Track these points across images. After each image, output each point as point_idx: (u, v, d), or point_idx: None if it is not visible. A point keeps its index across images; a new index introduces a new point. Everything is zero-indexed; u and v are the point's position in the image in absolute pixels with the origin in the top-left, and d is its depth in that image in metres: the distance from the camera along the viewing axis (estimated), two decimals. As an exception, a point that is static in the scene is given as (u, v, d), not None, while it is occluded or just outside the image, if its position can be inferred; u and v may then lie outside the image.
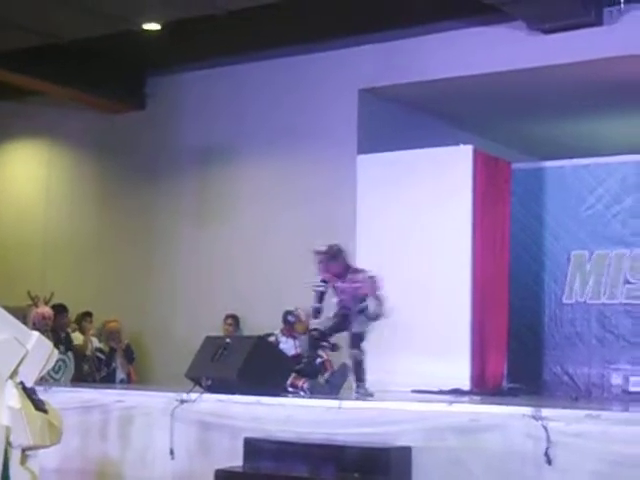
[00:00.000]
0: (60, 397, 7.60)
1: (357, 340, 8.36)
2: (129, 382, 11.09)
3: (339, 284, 8.29)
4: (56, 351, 4.29)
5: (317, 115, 12.04)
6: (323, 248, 8.28)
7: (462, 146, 10.48)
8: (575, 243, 10.93)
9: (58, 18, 10.83)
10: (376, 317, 8.27)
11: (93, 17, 10.74)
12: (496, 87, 11.45)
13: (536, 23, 10.47)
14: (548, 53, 10.62)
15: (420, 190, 10.49)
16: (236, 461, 6.89)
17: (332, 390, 8.24)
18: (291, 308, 9.84)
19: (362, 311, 8.23)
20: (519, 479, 6.19)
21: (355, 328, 8.32)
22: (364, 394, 8.10)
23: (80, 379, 10.49)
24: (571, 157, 11.31)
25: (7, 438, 3.91)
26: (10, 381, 4.03)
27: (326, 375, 8.51)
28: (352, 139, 11.62)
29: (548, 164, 11.35)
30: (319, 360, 8.57)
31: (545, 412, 6.17)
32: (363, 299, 8.26)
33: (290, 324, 9.85)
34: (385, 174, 10.80)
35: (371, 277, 8.27)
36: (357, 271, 8.34)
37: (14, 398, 3.97)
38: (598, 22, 10.26)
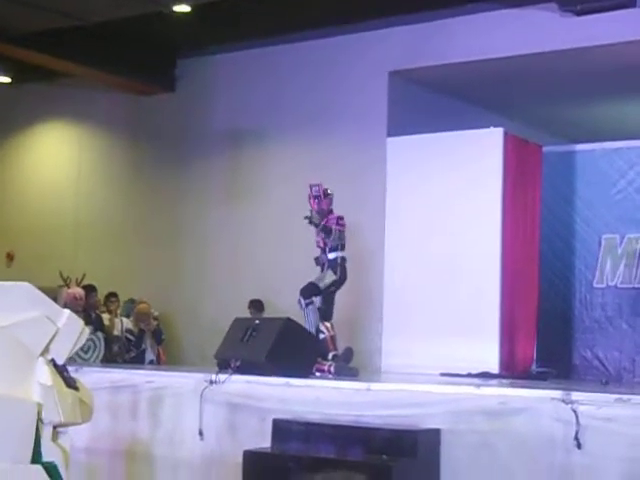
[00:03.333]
0: (90, 377, 7.62)
1: (309, 289, 8.51)
2: (158, 363, 11.15)
3: (324, 222, 8.69)
4: (87, 329, 4.31)
5: (347, 97, 12.00)
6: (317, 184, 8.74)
7: (493, 129, 10.44)
8: (606, 227, 10.86)
9: (89, 0, 10.85)
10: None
11: (124, -1, 10.77)
12: (527, 69, 11.37)
13: (568, 5, 10.37)
14: (580, 35, 10.52)
15: (450, 172, 10.46)
16: (264, 442, 6.90)
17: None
18: None
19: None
20: (548, 463, 6.14)
21: (317, 279, 8.56)
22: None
23: (109, 359, 10.55)
24: (602, 140, 11.23)
25: (38, 414, 3.94)
26: (41, 358, 4.06)
27: (330, 355, 8.44)
28: (382, 121, 11.58)
29: (579, 147, 11.27)
30: (322, 336, 8.52)
31: (575, 396, 6.11)
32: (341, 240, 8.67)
33: None
34: (415, 156, 10.78)
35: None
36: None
37: (45, 375, 4.00)
38: (631, 3, 10.16)
